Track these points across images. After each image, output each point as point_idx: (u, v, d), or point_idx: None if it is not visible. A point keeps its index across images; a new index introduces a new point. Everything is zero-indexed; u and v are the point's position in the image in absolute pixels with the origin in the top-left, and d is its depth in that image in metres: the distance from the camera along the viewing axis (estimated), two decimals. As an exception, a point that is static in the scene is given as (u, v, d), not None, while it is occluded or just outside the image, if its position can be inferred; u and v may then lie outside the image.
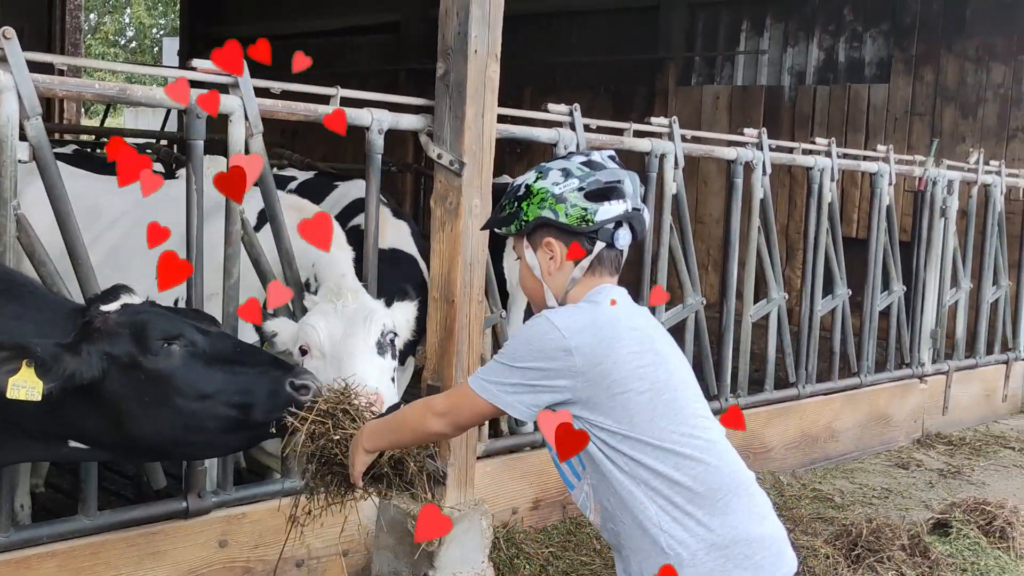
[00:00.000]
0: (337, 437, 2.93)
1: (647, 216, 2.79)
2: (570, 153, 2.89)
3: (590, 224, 2.66)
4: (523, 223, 2.72)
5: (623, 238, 2.71)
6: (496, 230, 2.85)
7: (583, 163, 2.72)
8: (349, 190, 5.73)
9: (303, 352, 3.97)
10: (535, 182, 2.72)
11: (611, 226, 2.67)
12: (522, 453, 5.31)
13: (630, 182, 2.71)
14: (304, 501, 3.06)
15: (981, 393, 8.59)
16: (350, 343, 3.94)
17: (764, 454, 6.56)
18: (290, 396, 2.92)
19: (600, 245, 2.69)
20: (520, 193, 2.73)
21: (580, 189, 2.67)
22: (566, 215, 2.66)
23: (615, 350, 2.58)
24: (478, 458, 4.76)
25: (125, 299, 2.99)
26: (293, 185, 5.94)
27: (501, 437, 5.46)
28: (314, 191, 5.61)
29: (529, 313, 5.16)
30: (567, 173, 2.69)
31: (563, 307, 2.70)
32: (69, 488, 5.12)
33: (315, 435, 2.94)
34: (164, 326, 2.90)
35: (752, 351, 6.70)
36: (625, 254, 2.77)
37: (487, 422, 4.84)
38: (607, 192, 2.67)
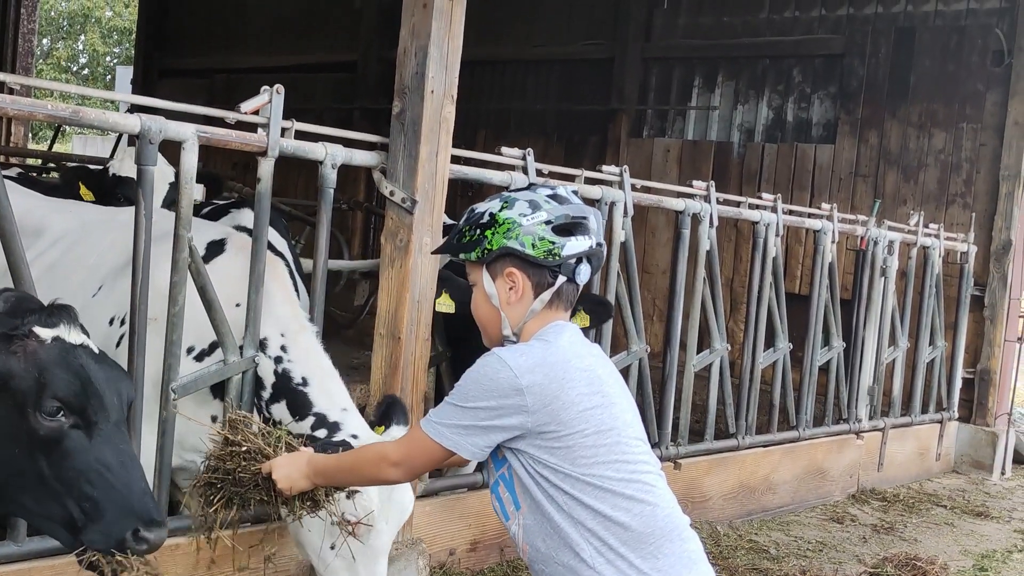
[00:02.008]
0: (246, 468, 2.93)
1: (604, 253, 2.82)
2: (532, 185, 2.90)
3: (556, 258, 2.67)
4: (486, 251, 2.70)
5: (584, 273, 2.73)
6: (453, 256, 2.82)
7: (550, 196, 2.72)
8: (236, 216, 5.74)
9: (346, 521, 3.40)
10: (500, 211, 2.69)
11: (573, 261, 2.69)
12: (462, 494, 5.29)
13: (594, 218, 2.74)
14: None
15: (915, 451, 8.73)
16: (383, 543, 3.69)
17: (702, 503, 6.59)
18: (125, 543, 2.67)
19: (562, 279, 2.70)
20: (484, 221, 2.71)
21: (548, 222, 2.67)
22: (532, 247, 2.66)
23: (565, 391, 2.59)
24: (417, 497, 4.73)
25: (63, 330, 2.80)
26: (205, 211, 5.99)
27: (441, 477, 5.44)
28: (213, 215, 5.68)
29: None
30: (535, 205, 2.69)
31: (514, 346, 2.70)
32: (-3, 515, 5.00)
33: (224, 457, 2.94)
34: (69, 393, 2.71)
35: (694, 401, 6.76)
36: (581, 289, 2.80)
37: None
38: (573, 227, 2.68)
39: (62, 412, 2.71)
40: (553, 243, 2.66)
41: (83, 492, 2.71)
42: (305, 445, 3.20)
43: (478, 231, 2.71)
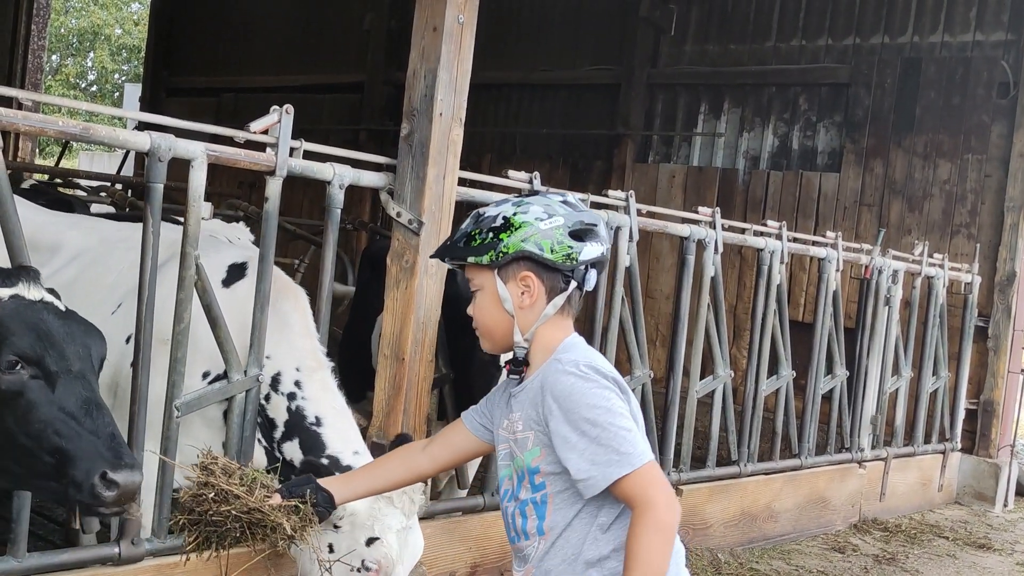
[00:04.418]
0: (217, 511, 2.96)
1: (607, 261, 2.81)
2: (536, 191, 2.92)
3: (574, 262, 2.65)
4: (501, 255, 2.65)
5: (592, 280, 2.72)
6: (458, 260, 2.75)
7: (562, 202, 2.72)
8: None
9: (366, 568, 3.53)
10: (515, 215, 2.67)
11: (583, 268, 2.68)
12: (462, 517, 5.27)
13: (604, 226, 2.75)
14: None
15: (918, 481, 8.70)
16: None
17: (704, 530, 6.56)
18: (93, 488, 2.68)
19: (573, 284, 2.69)
20: (497, 224, 2.67)
21: (565, 227, 2.66)
22: (551, 251, 2.64)
23: (631, 401, 2.62)
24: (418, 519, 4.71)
25: (21, 288, 2.81)
26: None
27: (440, 500, 5.42)
28: None
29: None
30: (550, 210, 2.67)
31: (567, 357, 2.64)
32: (-4, 530, 4.98)
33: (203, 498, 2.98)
34: (24, 345, 2.73)
35: (696, 427, 6.74)
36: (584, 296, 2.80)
37: (428, 484, 4.81)
38: (586, 233, 2.68)
39: (20, 365, 2.73)
40: (571, 248, 2.65)
41: (51, 443, 2.72)
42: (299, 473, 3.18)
43: (491, 234, 2.67)
